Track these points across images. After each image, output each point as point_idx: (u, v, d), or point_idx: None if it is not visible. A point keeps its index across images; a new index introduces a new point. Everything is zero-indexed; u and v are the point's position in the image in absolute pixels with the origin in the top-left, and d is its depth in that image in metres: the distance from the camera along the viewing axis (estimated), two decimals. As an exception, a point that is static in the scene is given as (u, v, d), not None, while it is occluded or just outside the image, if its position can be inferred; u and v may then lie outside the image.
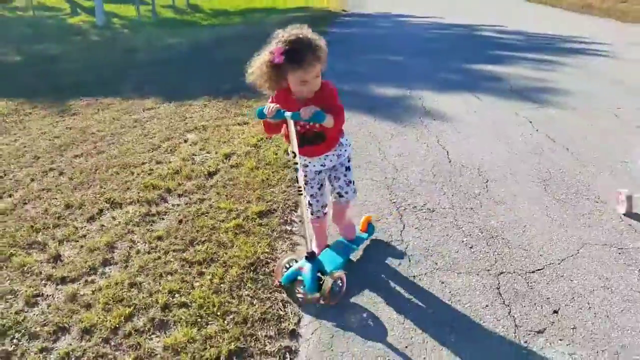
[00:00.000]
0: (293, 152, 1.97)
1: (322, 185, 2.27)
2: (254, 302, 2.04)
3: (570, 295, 2.00)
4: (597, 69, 5.61)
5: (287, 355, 1.78)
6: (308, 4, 15.12)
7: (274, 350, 1.79)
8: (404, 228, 2.56)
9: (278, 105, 1.89)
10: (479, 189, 2.92)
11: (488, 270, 2.19)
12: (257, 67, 1.94)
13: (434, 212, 2.70)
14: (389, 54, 7.29)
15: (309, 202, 2.26)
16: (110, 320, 1.94)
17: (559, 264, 2.20)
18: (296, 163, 1.98)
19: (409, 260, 2.29)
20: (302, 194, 2.03)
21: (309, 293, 2.02)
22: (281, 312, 1.98)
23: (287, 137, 1.97)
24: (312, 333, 1.88)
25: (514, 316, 1.91)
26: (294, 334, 1.88)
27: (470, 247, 2.37)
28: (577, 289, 2.03)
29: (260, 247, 2.41)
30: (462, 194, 2.88)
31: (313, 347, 1.81)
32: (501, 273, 2.16)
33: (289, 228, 2.61)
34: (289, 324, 1.92)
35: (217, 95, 5.22)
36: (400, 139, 3.81)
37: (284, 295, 2.09)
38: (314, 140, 2.07)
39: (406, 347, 1.79)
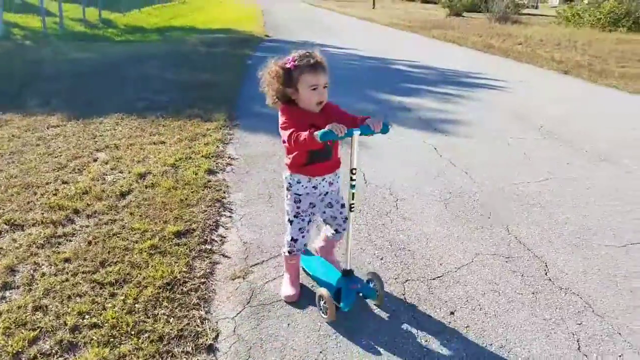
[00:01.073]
0: (353, 169, 1.98)
1: (311, 220, 2.23)
2: (170, 320, 2.07)
3: (465, 299, 2.30)
4: (494, 102, 6.39)
5: (205, 370, 1.85)
6: (229, 26, 15.32)
7: (191, 365, 1.85)
8: (320, 244, 2.75)
9: (343, 126, 1.82)
10: (389, 207, 3.22)
11: (396, 278, 2.44)
12: (267, 74, 2.02)
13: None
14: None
15: (292, 238, 2.20)
16: (12, 345, 1.87)
17: (455, 271, 2.52)
18: (354, 179, 1.99)
19: (325, 274, 2.47)
20: (353, 210, 2.05)
21: (374, 300, 2.20)
22: (199, 329, 2.04)
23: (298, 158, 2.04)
24: (230, 346, 1.96)
25: (417, 319, 2.15)
26: (211, 349, 1.95)
27: (381, 259, 2.61)
28: (471, 293, 2.34)
29: (177, 266, 2.44)
30: (375, 211, 3.16)
31: (231, 358, 1.90)
32: (407, 281, 2.42)
33: (208, 247, 2.68)
34: (206, 339, 1.98)
35: (130, 112, 5.13)
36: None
37: (202, 312, 2.15)
38: (326, 157, 2.07)
39: (320, 352, 1.94)
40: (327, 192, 2.17)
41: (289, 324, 2.10)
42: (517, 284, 2.44)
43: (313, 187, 2.12)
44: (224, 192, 3.35)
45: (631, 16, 16.44)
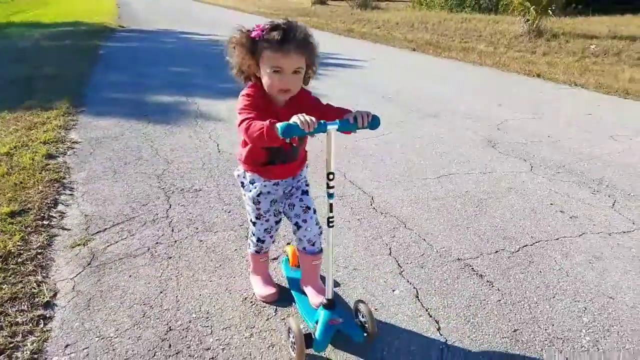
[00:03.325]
0: (331, 173, 1.64)
1: (278, 217, 1.98)
2: (3, 287, 2.09)
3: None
4: (348, 78, 7.03)
5: (42, 321, 1.92)
6: (79, 19, 14.29)
7: (26, 320, 1.91)
8: (170, 207, 2.91)
9: (313, 118, 1.46)
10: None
11: (240, 225, 2.71)
12: (232, 42, 1.66)
13: (200, 192, 3.13)
14: (172, 66, 7.62)
15: (258, 238, 2.00)
16: None
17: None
18: (332, 187, 1.66)
19: (172, 230, 2.65)
20: (332, 226, 1.70)
21: (358, 340, 1.78)
22: (34, 290, 2.10)
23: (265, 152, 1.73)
24: (69, 301, 2.06)
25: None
26: (49, 305, 2.02)
27: (229, 212, 2.86)
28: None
29: (11, 241, 2.43)
30: (226, 176, 3.39)
31: (69, 310, 2.00)
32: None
33: (46, 222, 2.68)
34: (43, 298, 2.05)
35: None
36: (174, 137, 4.17)
37: (39, 277, 2.19)
38: (292, 157, 1.81)
39: (161, 292, 2.13)
40: (290, 192, 1.91)
41: (130, 276, 2.25)
42: (347, 215, 2.87)
43: (273, 185, 1.85)
44: (64, 174, 3.32)
45: (474, -2, 18.80)
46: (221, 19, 16.22)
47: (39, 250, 2.39)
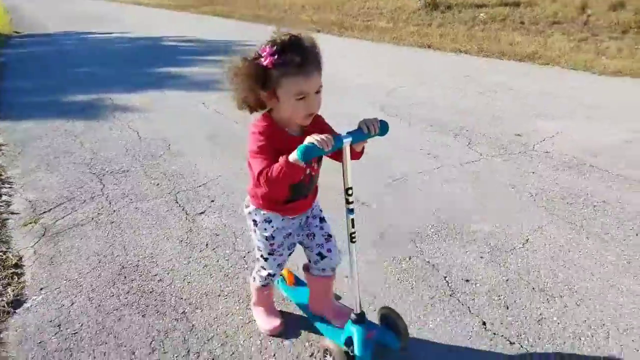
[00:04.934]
0: (349, 189, 1.63)
1: (292, 249, 1.92)
2: (-28, 260, 2.60)
3: (222, 192, 3.34)
4: (257, 62, 7.72)
5: (15, 276, 2.46)
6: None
7: (1, 277, 2.45)
8: (104, 186, 3.47)
9: (327, 135, 1.44)
10: (163, 151, 4.09)
11: (169, 193, 3.35)
12: (231, 72, 1.54)
13: (128, 172, 3.70)
14: (79, 67, 7.83)
15: (269, 274, 1.93)
16: None
17: (215, 179, 3.54)
18: (351, 202, 1.65)
19: (110, 203, 3.22)
20: (355, 241, 1.70)
21: (395, 347, 1.86)
22: (2, 257, 2.62)
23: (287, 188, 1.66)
24: (34, 261, 2.61)
25: (185, 210, 3.10)
26: (18, 265, 2.56)
27: (157, 185, 3.48)
28: (226, 190, 3.40)
29: (-34, 228, 2.90)
30: (150, 156, 3.98)
31: (37, 267, 2.56)
32: (178, 192, 3.35)
33: (-6, 211, 3.15)
34: (11, 261, 2.58)
35: None
36: (96, 131, 4.64)
37: (2, 249, 2.71)
38: (311, 188, 1.77)
39: (110, 246, 2.74)
40: (307, 222, 1.88)
41: (81, 238, 2.82)
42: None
43: (291, 219, 1.80)
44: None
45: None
46: (122, 16, 16.10)
47: (-5, 232, 2.89)
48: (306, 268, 2.03)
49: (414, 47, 8.80)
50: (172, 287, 2.38)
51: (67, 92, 6.17)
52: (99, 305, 2.26)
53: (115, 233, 2.87)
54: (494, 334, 2.01)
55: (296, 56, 1.45)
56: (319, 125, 1.67)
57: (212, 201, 3.21)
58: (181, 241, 2.76)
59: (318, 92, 1.55)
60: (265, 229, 1.79)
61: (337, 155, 1.60)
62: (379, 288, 2.31)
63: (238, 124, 4.72)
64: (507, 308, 2.16)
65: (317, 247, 1.89)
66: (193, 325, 2.11)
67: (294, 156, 1.42)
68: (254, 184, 1.71)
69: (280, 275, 2.24)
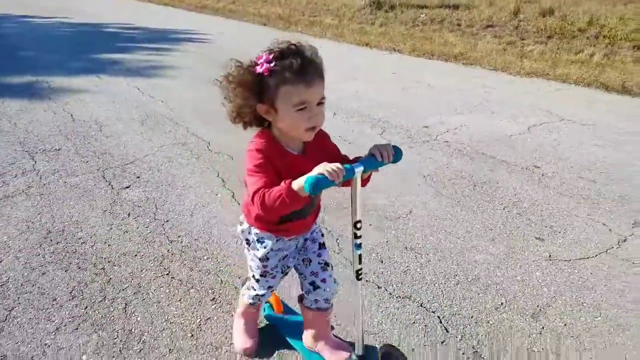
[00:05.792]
0: (358, 222, 1.53)
1: (285, 272, 1.82)
2: None
3: (148, 169, 3.64)
4: (196, 52, 7.98)
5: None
6: None
7: None
8: (35, 163, 3.69)
9: (338, 165, 1.32)
10: (95, 132, 4.33)
11: (97, 169, 3.62)
12: (225, 80, 1.45)
13: (60, 150, 3.93)
14: (19, 50, 7.80)
15: (258, 294, 1.82)
16: None
17: (144, 157, 3.84)
18: (359, 236, 1.56)
19: (40, 178, 3.46)
20: (361, 278, 1.63)
21: None
22: None
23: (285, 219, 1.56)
24: (-37, 227, 2.84)
25: (112, 185, 3.39)
26: (-54, 230, 2.79)
27: (87, 162, 3.74)
28: (155, 164, 3.71)
29: None
30: (82, 136, 4.22)
31: (-35, 231, 2.79)
32: (107, 169, 3.63)
33: None
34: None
35: None
36: (30, 112, 4.80)
37: None
38: (310, 209, 1.65)
39: (38, 214, 3.00)
40: (304, 246, 1.78)
41: (11, 208, 3.07)
42: (187, 155, 3.92)
43: (287, 241, 1.69)
44: None
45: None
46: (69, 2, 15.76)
47: None
48: (300, 298, 1.91)
49: (352, 44, 9.29)
50: (94, 248, 2.69)
51: (4, 74, 6.21)
52: (26, 263, 2.54)
53: (44, 204, 3.13)
54: (367, 281, 2.46)
55: (295, 62, 1.34)
56: (321, 142, 1.55)
57: (138, 177, 3.51)
58: (105, 211, 3.06)
59: (321, 103, 1.43)
60: (258, 250, 1.68)
61: (345, 182, 1.44)
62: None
63: (169, 107, 5.01)
64: (382, 262, 2.62)
65: (311, 276, 1.78)
66: (110, 278, 2.44)
67: (299, 184, 1.29)
68: (247, 202, 1.62)
69: (268, 302, 2.14)
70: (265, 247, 1.67)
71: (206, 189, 3.38)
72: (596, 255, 2.73)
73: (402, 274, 2.54)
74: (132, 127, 4.48)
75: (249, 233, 1.69)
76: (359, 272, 1.61)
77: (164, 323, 2.15)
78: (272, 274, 1.75)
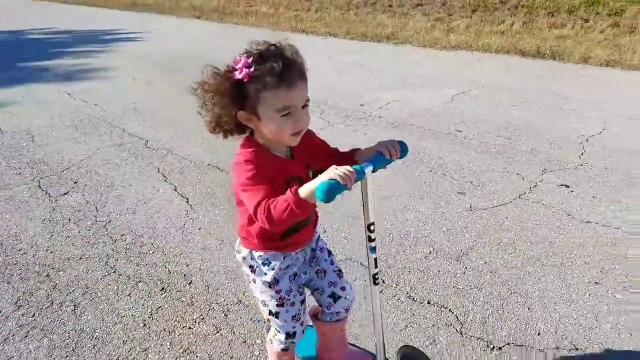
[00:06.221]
0: (371, 224, 1.45)
1: (303, 294, 1.61)
2: None
3: (86, 175, 3.62)
4: (128, 51, 7.83)
5: None
6: None
7: None
8: (-36, 180, 3.59)
9: (349, 167, 1.22)
10: (26, 142, 4.24)
11: (32, 179, 3.57)
12: (200, 88, 1.33)
13: (-10, 165, 3.83)
14: None
15: (287, 333, 1.58)
16: None
17: (80, 162, 3.81)
18: (373, 239, 1.47)
19: (-28, 194, 3.38)
20: (378, 283, 1.54)
21: None
22: None
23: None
24: None
25: (49, 193, 3.36)
26: None
27: (20, 174, 3.66)
28: (90, 171, 3.69)
29: None
30: (13, 149, 4.11)
31: None
32: (42, 178, 3.58)
33: None
34: None
35: None
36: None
37: None
38: (313, 214, 1.53)
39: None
40: (314, 256, 1.63)
41: (-57, 226, 3.01)
42: (125, 155, 3.91)
43: (295, 255, 1.54)
44: None
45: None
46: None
47: None
48: (315, 314, 1.74)
49: (289, 31, 9.34)
50: (36, 257, 2.69)
51: None
52: (-36, 280, 2.52)
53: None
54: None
55: (276, 66, 1.24)
56: (308, 140, 1.43)
57: (76, 183, 3.49)
58: (44, 220, 3.04)
59: (305, 106, 1.32)
60: (266, 274, 1.50)
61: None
62: (222, 235, 2.81)
63: (102, 109, 4.94)
64: (325, 232, 2.76)
65: (329, 287, 1.64)
66: (56, 284, 2.46)
67: (307, 192, 1.21)
68: (244, 223, 1.48)
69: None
70: (273, 269, 1.49)
71: (147, 186, 3.41)
72: (511, 201, 3.06)
73: (343, 240, 2.71)
74: (65, 134, 4.40)
75: (252, 258, 1.52)
76: (376, 276, 1.52)
77: (116, 318, 2.21)
78: (289, 299, 1.54)
